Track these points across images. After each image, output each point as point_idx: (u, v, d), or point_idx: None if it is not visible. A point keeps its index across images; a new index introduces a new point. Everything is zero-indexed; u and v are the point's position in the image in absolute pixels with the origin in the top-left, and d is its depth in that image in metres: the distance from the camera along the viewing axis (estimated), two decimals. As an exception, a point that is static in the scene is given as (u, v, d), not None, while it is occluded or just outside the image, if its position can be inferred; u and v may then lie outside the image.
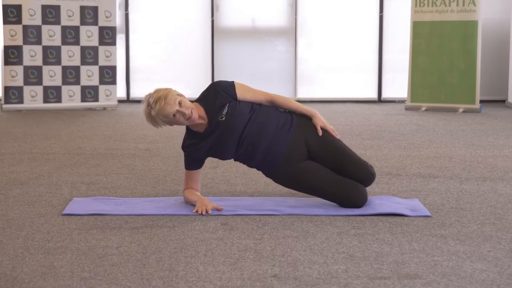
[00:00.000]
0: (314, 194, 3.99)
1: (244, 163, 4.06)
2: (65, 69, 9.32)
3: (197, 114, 3.87)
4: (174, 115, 3.80)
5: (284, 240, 3.35)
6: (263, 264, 3.00)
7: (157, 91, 3.85)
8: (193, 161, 4.00)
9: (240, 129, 3.91)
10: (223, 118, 3.90)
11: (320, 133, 3.99)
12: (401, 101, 10.30)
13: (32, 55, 9.12)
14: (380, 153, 5.84)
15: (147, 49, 10.71)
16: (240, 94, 3.97)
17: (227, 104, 3.92)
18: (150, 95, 3.86)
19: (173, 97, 3.81)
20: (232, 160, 4.09)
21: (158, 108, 3.78)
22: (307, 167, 3.93)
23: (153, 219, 3.73)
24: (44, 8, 9.16)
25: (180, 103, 3.80)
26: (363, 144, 6.34)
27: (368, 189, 4.14)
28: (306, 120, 4.04)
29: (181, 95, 3.87)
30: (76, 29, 9.33)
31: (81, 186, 4.59)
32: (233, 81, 4.01)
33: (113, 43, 9.56)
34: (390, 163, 5.39)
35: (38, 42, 9.14)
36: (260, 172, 4.84)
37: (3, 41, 9.13)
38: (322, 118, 4.04)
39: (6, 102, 9.12)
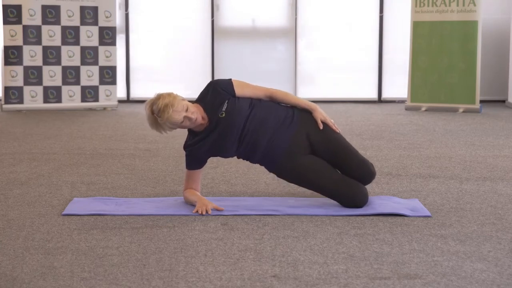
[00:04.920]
0: (316, 190, 3.99)
1: (246, 160, 4.06)
2: (65, 69, 9.31)
3: (200, 116, 3.87)
4: (182, 121, 3.81)
5: (284, 240, 3.35)
6: (263, 264, 3.00)
7: (161, 97, 3.82)
8: (194, 160, 4.00)
9: (240, 125, 3.90)
10: (223, 115, 3.90)
11: (321, 126, 3.98)
12: (401, 101, 10.30)
13: (32, 55, 9.11)
14: (380, 153, 5.84)
15: (147, 49, 10.71)
16: (239, 91, 3.97)
17: (226, 101, 3.92)
18: (153, 102, 3.83)
19: (180, 103, 3.80)
20: (233, 158, 4.09)
21: (166, 116, 3.77)
22: (309, 164, 3.93)
23: (153, 219, 3.73)
24: (44, 8, 9.16)
25: (186, 109, 3.80)
26: (363, 144, 6.34)
27: (368, 189, 4.14)
28: (307, 114, 4.04)
29: (184, 99, 3.87)
30: (76, 29, 9.33)
31: (81, 186, 4.59)
32: (230, 79, 4.01)
33: (113, 43, 9.56)
34: (390, 163, 5.39)
35: (38, 42, 9.14)
36: (260, 172, 4.85)
37: (3, 41, 9.13)
38: (323, 112, 4.04)
39: (6, 102, 9.12)
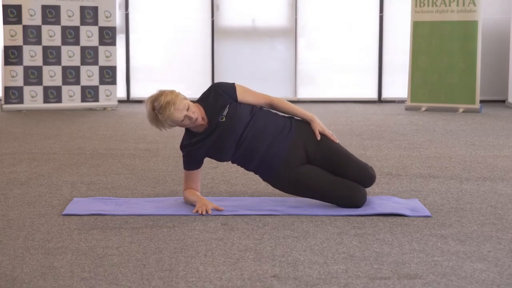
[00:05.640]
0: (313, 196, 3.98)
1: (241, 166, 4.05)
2: (65, 69, 9.32)
3: (201, 116, 3.87)
4: (182, 120, 3.81)
5: (284, 240, 3.35)
6: (263, 264, 3.00)
7: (163, 94, 3.82)
8: (191, 161, 4.00)
9: (239, 131, 3.90)
10: (223, 119, 3.90)
11: (319, 137, 3.98)
12: (401, 101, 10.31)
13: (32, 55, 9.12)
14: (380, 153, 5.84)
15: (147, 49, 10.71)
16: (241, 96, 3.97)
17: (228, 106, 3.92)
18: (155, 99, 3.83)
19: (181, 102, 3.80)
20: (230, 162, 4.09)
21: (167, 113, 3.77)
22: (307, 171, 3.93)
23: (153, 219, 3.73)
24: (44, 8, 9.16)
25: (188, 108, 3.80)
26: (363, 144, 6.34)
27: (368, 189, 4.14)
28: (305, 124, 4.04)
29: (185, 98, 3.87)
30: (76, 29, 9.33)
31: (81, 186, 4.59)
32: (233, 83, 4.01)
33: (113, 43, 9.56)
34: (390, 163, 5.39)
35: (38, 42, 9.14)
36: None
37: (3, 41, 9.13)
38: (321, 123, 4.03)
39: (6, 102, 9.12)
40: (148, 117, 3.87)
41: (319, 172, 3.93)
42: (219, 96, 3.93)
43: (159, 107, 3.78)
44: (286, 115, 4.09)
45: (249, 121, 3.93)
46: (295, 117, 4.08)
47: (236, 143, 3.92)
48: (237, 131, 3.90)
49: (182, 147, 4.01)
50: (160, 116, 3.80)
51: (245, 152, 3.94)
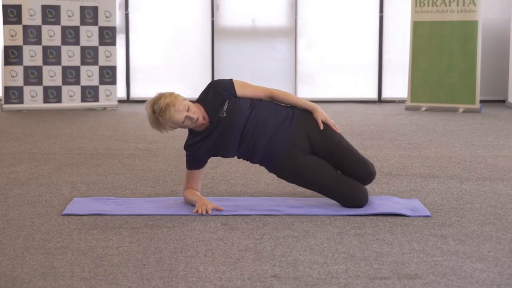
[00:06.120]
0: (315, 190, 3.99)
1: (247, 160, 4.06)
2: (65, 69, 9.31)
3: (201, 115, 3.87)
4: (183, 121, 3.81)
5: (284, 240, 3.35)
6: (263, 264, 3.00)
7: (163, 97, 3.81)
8: (195, 160, 4.00)
9: (241, 125, 3.91)
10: (224, 115, 3.90)
11: (321, 127, 3.98)
12: (401, 101, 10.30)
13: (32, 55, 9.11)
14: (380, 153, 5.84)
15: (147, 49, 10.71)
16: (240, 91, 3.97)
17: (227, 101, 3.92)
18: (154, 102, 3.83)
19: (181, 103, 3.80)
20: (233, 159, 4.09)
21: (168, 115, 3.77)
22: (309, 163, 3.93)
23: (153, 219, 3.73)
24: (44, 8, 9.16)
25: (188, 109, 3.80)
26: (363, 144, 6.34)
27: (368, 189, 4.14)
28: (307, 114, 4.04)
29: (185, 99, 3.87)
30: (76, 29, 9.33)
31: (81, 186, 4.59)
32: (231, 79, 4.01)
33: (113, 43, 9.56)
34: (390, 163, 5.39)
35: (38, 42, 9.14)
36: (260, 172, 4.85)
37: (3, 41, 9.13)
38: (323, 112, 4.04)
39: (6, 102, 9.12)
40: (149, 120, 3.87)
41: (323, 166, 3.92)
42: (217, 93, 3.94)
43: (159, 110, 3.78)
44: (288, 105, 4.09)
45: (250, 114, 3.93)
46: (297, 107, 4.08)
47: (238, 137, 3.92)
48: (238, 125, 3.90)
49: (186, 147, 4.01)
50: (161, 119, 3.80)
51: (249, 145, 3.94)
